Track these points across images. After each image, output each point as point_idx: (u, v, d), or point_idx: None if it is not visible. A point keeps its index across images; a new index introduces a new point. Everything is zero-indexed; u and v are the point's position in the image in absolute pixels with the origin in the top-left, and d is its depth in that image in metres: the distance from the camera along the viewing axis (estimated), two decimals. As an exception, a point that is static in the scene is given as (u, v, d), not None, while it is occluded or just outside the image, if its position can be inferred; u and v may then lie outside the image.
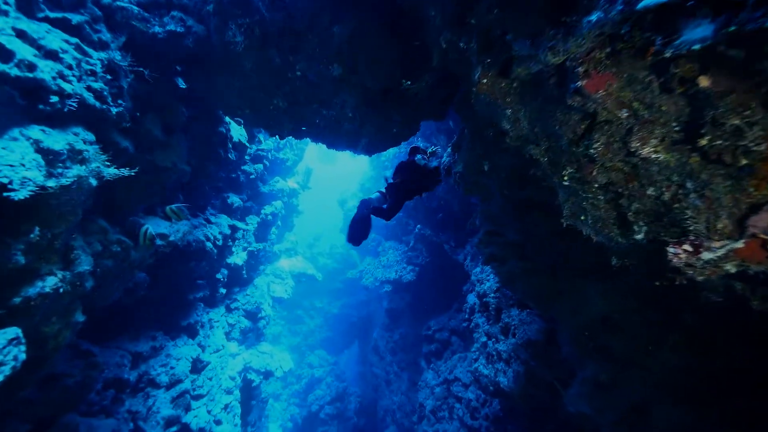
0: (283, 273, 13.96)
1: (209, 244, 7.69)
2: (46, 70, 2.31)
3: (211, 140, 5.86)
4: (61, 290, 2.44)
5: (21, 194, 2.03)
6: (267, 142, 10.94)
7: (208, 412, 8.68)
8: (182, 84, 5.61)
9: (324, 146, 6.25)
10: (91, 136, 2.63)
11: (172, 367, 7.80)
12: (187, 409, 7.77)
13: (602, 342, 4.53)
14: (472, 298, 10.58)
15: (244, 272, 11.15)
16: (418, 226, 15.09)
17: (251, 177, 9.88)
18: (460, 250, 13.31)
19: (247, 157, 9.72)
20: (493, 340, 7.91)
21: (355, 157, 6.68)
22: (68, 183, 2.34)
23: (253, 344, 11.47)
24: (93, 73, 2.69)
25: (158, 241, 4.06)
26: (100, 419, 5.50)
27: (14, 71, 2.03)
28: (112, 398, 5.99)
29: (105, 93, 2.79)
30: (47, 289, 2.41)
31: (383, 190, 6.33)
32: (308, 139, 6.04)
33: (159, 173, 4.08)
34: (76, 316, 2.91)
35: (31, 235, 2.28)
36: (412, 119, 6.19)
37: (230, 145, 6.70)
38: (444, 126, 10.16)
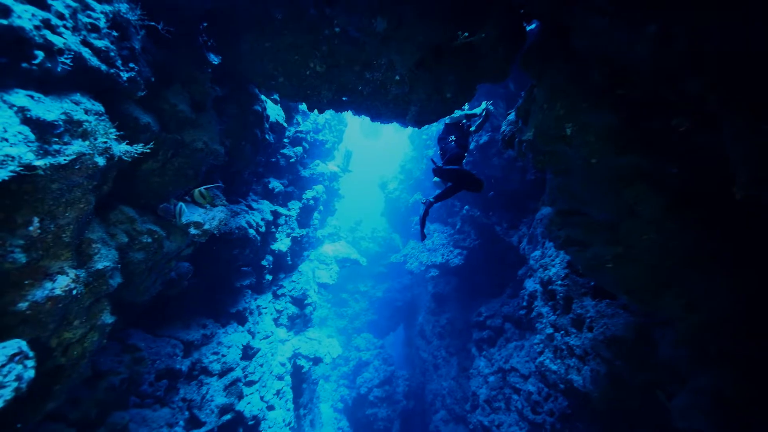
0: (327, 258, 13.76)
1: (252, 231, 7.43)
2: (25, 17, 1.85)
3: (247, 120, 5.41)
4: (75, 292, 2.02)
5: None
6: (305, 124, 10.49)
7: (261, 398, 8.68)
8: (214, 59, 5.15)
9: (367, 119, 5.56)
10: (97, 107, 2.17)
11: (223, 355, 7.79)
12: (240, 396, 7.76)
13: (731, 347, 3.55)
14: (531, 285, 9.62)
15: (288, 258, 11.00)
16: (466, 207, 14.14)
17: (291, 161, 9.52)
18: (514, 232, 12.26)
19: (285, 140, 9.33)
20: (562, 332, 7.00)
21: (400, 130, 5.91)
22: (66, 162, 1.88)
23: (301, 330, 11.42)
24: (95, 29, 2.21)
25: (192, 230, 3.69)
26: (154, 410, 5.47)
27: None
28: (165, 388, 5.98)
29: (112, 54, 2.32)
30: (58, 291, 2.01)
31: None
32: (350, 111, 5.39)
33: (191, 155, 3.67)
34: (104, 317, 2.54)
35: (30, 228, 1.86)
36: (467, 81, 5.31)
37: (267, 126, 6.25)
38: (501, 90, 9.02)
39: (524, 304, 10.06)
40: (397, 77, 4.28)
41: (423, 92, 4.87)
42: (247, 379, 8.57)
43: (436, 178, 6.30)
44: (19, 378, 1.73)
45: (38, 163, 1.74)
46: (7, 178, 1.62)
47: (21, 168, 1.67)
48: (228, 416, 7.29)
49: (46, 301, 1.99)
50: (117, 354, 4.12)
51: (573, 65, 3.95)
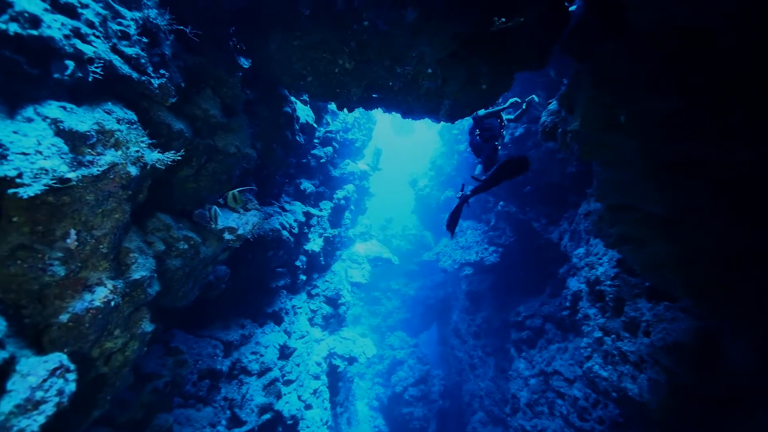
0: (359, 258, 13.75)
1: (285, 233, 7.49)
2: (54, 26, 1.84)
3: (278, 122, 5.40)
4: (113, 303, 2.01)
5: (32, 190, 1.58)
6: (335, 123, 10.47)
7: (299, 397, 8.79)
8: (244, 63, 5.17)
9: (398, 117, 5.39)
10: (130, 115, 2.16)
11: (261, 355, 7.93)
12: (278, 396, 7.87)
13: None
14: (574, 284, 9.07)
15: (321, 258, 11.07)
16: (501, 203, 13.61)
17: (321, 161, 9.52)
18: (554, 228, 11.66)
19: (316, 141, 9.34)
20: (613, 336, 6.50)
21: (431, 126, 5.68)
22: (99, 173, 1.86)
23: (335, 330, 11.47)
24: (125, 36, 2.20)
25: (227, 235, 3.70)
26: (197, 409, 5.63)
27: (13, 27, 1.56)
28: (207, 388, 6.14)
29: (143, 61, 2.30)
30: (97, 303, 2.00)
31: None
32: (380, 109, 5.23)
33: (224, 160, 3.67)
34: (144, 326, 2.55)
35: (68, 240, 1.85)
36: (504, 71, 4.99)
37: (297, 127, 6.24)
38: (540, 78, 8.50)
39: (567, 304, 9.51)
40: (430, 70, 4.06)
41: (456, 85, 4.61)
42: (285, 378, 8.70)
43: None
44: (60, 392, 1.72)
45: (72, 175, 1.72)
46: (40, 192, 1.60)
47: (55, 181, 1.65)
48: (267, 416, 7.41)
49: (86, 312, 1.98)
50: (160, 357, 4.23)
51: (626, 45, 3.56)
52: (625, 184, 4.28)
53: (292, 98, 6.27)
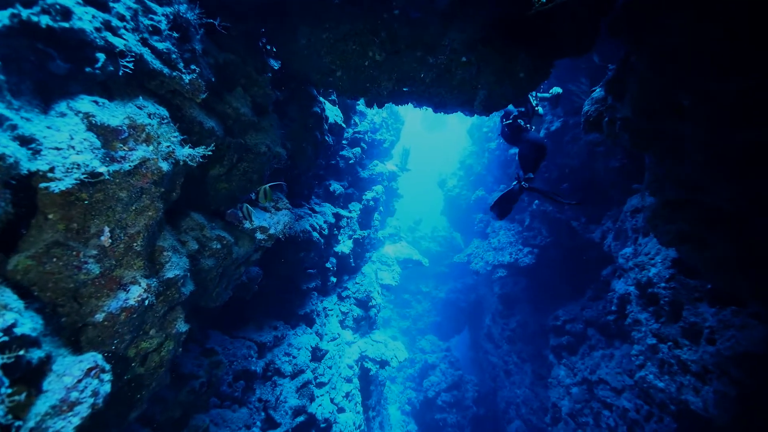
0: (389, 260, 13.60)
1: (315, 234, 7.47)
2: (86, 18, 1.83)
3: (307, 122, 5.37)
4: (147, 302, 1.96)
5: (63, 184, 1.54)
6: (363, 124, 10.41)
7: (331, 400, 8.72)
8: (274, 64, 5.17)
9: (429, 112, 5.19)
10: (162, 111, 2.13)
11: (294, 357, 7.93)
12: (312, 398, 7.84)
13: None
14: (621, 286, 8.44)
15: (351, 260, 11.01)
16: (536, 201, 13.03)
17: (350, 162, 9.48)
18: (595, 227, 11.00)
19: (344, 142, 9.31)
20: (670, 344, 5.94)
21: (464, 121, 5.44)
22: (131, 168, 1.82)
23: (366, 333, 11.36)
24: (156, 31, 2.17)
25: (258, 235, 3.66)
26: (233, 410, 5.66)
27: (44, 20, 1.54)
28: (243, 389, 6.18)
29: (174, 56, 2.27)
30: (131, 302, 1.96)
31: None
32: (411, 103, 5.06)
33: (255, 159, 3.64)
34: (178, 325, 2.51)
35: (102, 238, 1.81)
36: (543, 58, 4.68)
37: (326, 127, 6.19)
38: (584, 64, 7.99)
39: (613, 308, 8.88)
40: (464, 59, 3.84)
41: (491, 74, 4.36)
42: (317, 380, 8.66)
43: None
44: (95, 393, 1.66)
45: (103, 169, 1.68)
46: (71, 186, 1.56)
47: (86, 175, 1.61)
48: (301, 418, 7.39)
49: (121, 312, 1.94)
50: (196, 357, 4.26)
51: (688, 18, 3.19)
52: (686, 176, 3.85)
53: (321, 98, 6.23)
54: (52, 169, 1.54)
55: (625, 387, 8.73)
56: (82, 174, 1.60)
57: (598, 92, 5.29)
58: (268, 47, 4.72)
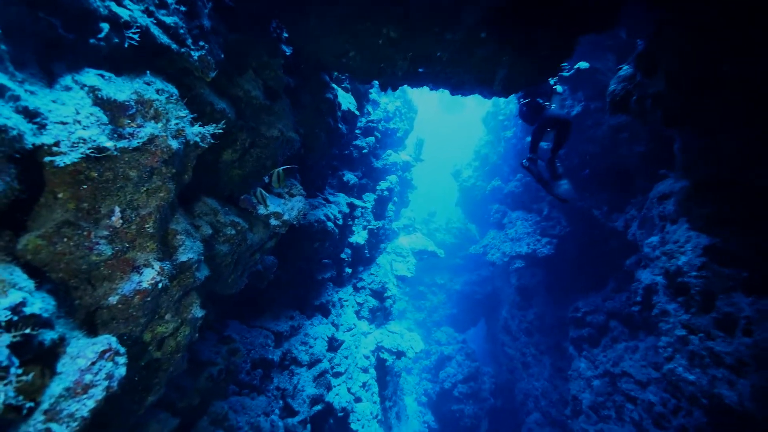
0: (404, 251, 13.49)
1: (330, 224, 7.41)
2: None
3: (320, 109, 5.27)
4: (160, 285, 1.90)
5: (68, 158, 1.48)
6: (376, 113, 10.25)
7: (348, 390, 8.75)
8: (286, 50, 5.07)
9: (445, 95, 5.00)
10: (171, 88, 2.05)
11: (310, 346, 7.96)
12: (329, 388, 7.86)
13: None
14: (647, 276, 8.12)
15: (366, 251, 10.95)
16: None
17: (364, 152, 9.36)
18: (618, 215, 10.60)
19: (357, 131, 9.19)
20: (701, 335, 5.66)
21: (482, 103, 5.23)
22: (139, 145, 1.75)
23: (382, 323, 11.34)
24: (163, 4, 2.09)
25: (273, 221, 3.59)
26: (252, 398, 5.71)
27: None
28: (261, 377, 6.23)
29: (182, 31, 2.19)
30: (145, 285, 1.91)
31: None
32: (427, 86, 4.89)
33: (267, 145, 3.57)
34: (194, 311, 2.47)
35: (112, 218, 1.76)
36: (566, 34, 4.42)
37: (339, 114, 6.08)
38: (609, 41, 7.59)
39: (638, 299, 8.57)
40: (483, 34, 3.65)
41: (512, 51, 4.15)
42: (334, 370, 8.69)
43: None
44: (109, 376, 1.62)
45: (110, 144, 1.61)
46: (76, 160, 1.50)
47: (92, 150, 1.55)
48: (318, 407, 7.43)
49: (134, 294, 1.90)
50: (214, 345, 4.28)
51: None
52: (728, 154, 3.58)
53: (334, 85, 6.11)
54: (57, 143, 1.48)
55: (650, 380, 8.45)
56: (88, 149, 1.54)
57: (625, 69, 4.99)
58: (278, 31, 4.61)
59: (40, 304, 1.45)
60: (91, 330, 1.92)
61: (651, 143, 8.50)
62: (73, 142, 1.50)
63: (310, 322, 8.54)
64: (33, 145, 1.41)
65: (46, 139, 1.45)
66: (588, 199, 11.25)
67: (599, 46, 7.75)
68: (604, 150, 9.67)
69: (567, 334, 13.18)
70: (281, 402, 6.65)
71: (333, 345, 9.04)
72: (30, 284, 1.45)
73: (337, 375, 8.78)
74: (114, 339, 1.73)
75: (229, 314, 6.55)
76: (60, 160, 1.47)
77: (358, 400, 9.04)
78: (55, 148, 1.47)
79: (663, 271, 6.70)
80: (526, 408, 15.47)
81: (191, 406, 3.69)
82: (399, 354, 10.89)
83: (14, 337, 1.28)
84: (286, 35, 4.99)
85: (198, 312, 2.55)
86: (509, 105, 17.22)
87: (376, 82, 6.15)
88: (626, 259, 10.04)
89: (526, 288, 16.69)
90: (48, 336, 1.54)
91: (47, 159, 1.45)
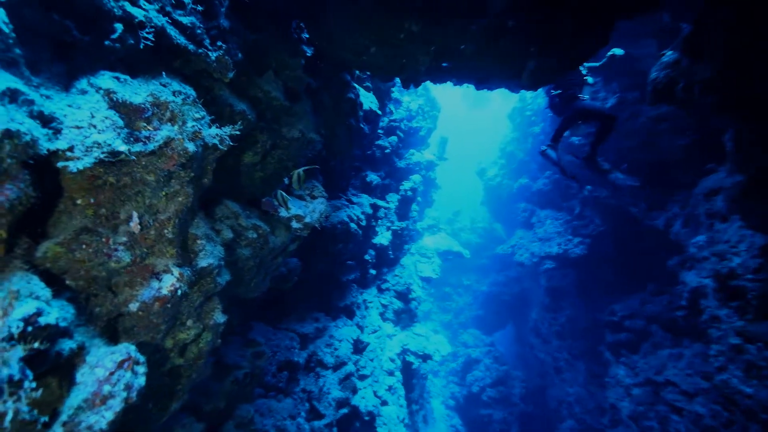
0: (428, 251, 13.28)
1: (353, 225, 7.35)
2: None
3: (341, 109, 5.20)
4: (179, 291, 1.85)
5: (81, 163, 1.44)
6: (398, 112, 10.12)
7: (374, 393, 8.65)
8: (307, 51, 5.03)
9: (471, 89, 4.81)
10: (188, 90, 2.01)
11: (336, 348, 7.93)
12: (354, 391, 7.80)
13: None
14: (693, 279, 7.54)
15: (390, 252, 10.83)
16: (588, 187, 12.06)
17: (386, 151, 9.24)
18: (658, 213, 9.94)
19: (380, 131, 9.08)
20: (759, 345, 5.15)
21: (508, 98, 4.98)
22: (156, 149, 1.70)
23: (407, 325, 11.18)
24: (180, 5, 2.06)
25: (294, 224, 3.54)
26: (278, 400, 5.71)
27: None
28: (287, 379, 6.23)
29: (199, 31, 2.15)
30: (164, 291, 1.87)
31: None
32: (451, 82, 4.71)
33: (288, 146, 3.52)
34: (216, 316, 2.43)
35: (131, 224, 1.72)
36: (601, 19, 4.12)
37: (361, 114, 6.00)
38: (647, 27, 7.09)
39: (683, 303, 7.99)
40: (511, 23, 3.44)
41: (542, 40, 3.90)
42: (360, 373, 8.63)
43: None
44: (128, 387, 1.57)
45: (125, 148, 1.57)
46: (90, 165, 1.46)
47: (106, 155, 1.51)
48: (344, 410, 7.37)
49: (154, 301, 1.86)
50: (239, 348, 4.28)
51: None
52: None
53: (355, 85, 6.03)
54: (71, 148, 1.44)
55: (698, 390, 7.84)
56: (102, 153, 1.50)
57: (669, 55, 4.61)
58: (299, 31, 4.57)
59: (57, 313, 1.41)
60: (113, 337, 1.90)
61: (695, 135, 7.89)
62: (87, 147, 1.46)
63: (335, 324, 8.51)
64: (48, 150, 1.38)
65: (60, 144, 1.42)
66: (624, 196, 10.63)
67: (638, 32, 7.22)
68: (643, 143, 9.08)
69: (602, 339, 12.56)
70: (307, 405, 6.63)
71: (358, 347, 8.98)
72: (47, 293, 1.42)
73: (362, 378, 8.71)
74: (133, 348, 1.69)
75: (254, 316, 6.61)
76: (74, 166, 1.43)
77: (384, 403, 8.93)
78: (69, 153, 1.44)
79: (712, 273, 6.17)
80: (560, 414, 14.86)
81: (217, 410, 3.69)
82: (425, 357, 10.69)
83: (28, 349, 1.24)
84: (307, 36, 4.95)
85: (220, 318, 2.50)
86: (536, 100, 16.63)
87: (398, 80, 6.02)
88: (668, 259, 9.39)
89: (556, 290, 16.07)
90: (66, 345, 1.50)
91: (61, 164, 1.42)
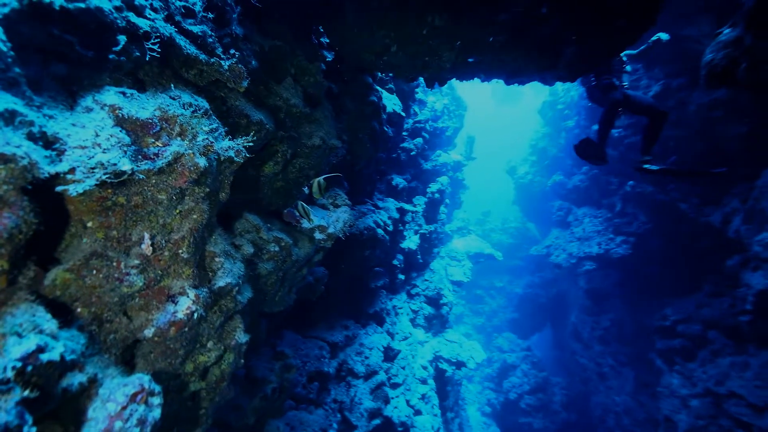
0: (458, 254, 12.89)
1: (380, 231, 7.17)
2: None
3: (364, 113, 5.05)
4: (195, 315, 1.74)
5: (82, 186, 1.35)
6: (423, 112, 9.87)
7: (407, 402, 8.42)
8: (328, 55, 4.93)
9: (500, 84, 4.51)
10: (201, 102, 1.90)
11: (366, 357, 7.78)
12: (386, 401, 7.60)
13: None
14: (759, 280, 6.81)
15: (419, 256, 10.57)
16: (630, 182, 11.27)
17: (412, 154, 9.02)
18: (713, 209, 9.08)
19: (404, 133, 8.87)
20: None
21: (541, 90, 4.63)
22: (165, 166, 1.60)
23: (439, 331, 10.86)
24: (190, 13, 1.96)
25: (317, 235, 3.41)
26: (309, 412, 5.62)
27: (58, 0, 1.36)
28: (317, 390, 6.14)
29: (210, 40, 2.05)
30: (180, 315, 1.76)
31: None
32: (478, 78, 4.43)
33: (309, 154, 3.40)
34: (237, 336, 2.32)
35: (142, 246, 1.62)
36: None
37: (385, 117, 5.82)
38: (698, 2, 6.40)
39: (747, 307, 7.21)
40: (544, 9, 3.14)
41: (579, 26, 3.56)
42: (391, 381, 8.43)
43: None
44: (141, 421, 1.46)
45: (128, 167, 1.47)
46: (90, 188, 1.37)
47: (109, 176, 1.41)
48: (377, 421, 7.19)
49: (170, 326, 1.76)
50: (268, 361, 4.21)
51: None
52: None
53: (377, 87, 5.87)
54: (72, 170, 1.36)
55: (770, 405, 7.02)
56: (104, 174, 1.41)
57: (727, 33, 4.10)
58: (318, 36, 4.47)
59: (64, 346, 1.32)
60: (131, 365, 1.81)
61: (756, 122, 7.10)
62: (90, 168, 1.37)
63: (365, 332, 8.37)
64: (49, 174, 1.30)
65: (61, 166, 1.34)
66: (673, 191, 9.81)
67: (686, 10, 6.53)
68: (693, 133, 8.32)
69: (652, 345, 11.68)
70: (339, 416, 6.51)
71: (389, 355, 8.78)
72: (53, 325, 1.33)
73: (394, 386, 8.50)
74: (147, 378, 1.58)
75: (283, 324, 6.58)
76: (73, 189, 1.34)
77: (417, 413, 8.67)
78: (69, 176, 1.35)
79: (785, 275, 5.49)
80: (606, 424, 13.97)
81: (247, 426, 3.61)
82: (459, 364, 10.33)
83: (28, 390, 1.14)
84: (327, 41, 4.85)
85: (242, 337, 2.39)
86: (569, 93, 15.83)
87: (421, 79, 5.80)
88: (727, 259, 8.53)
89: (597, 292, 15.18)
90: (76, 380, 1.41)
91: (59, 188, 1.33)
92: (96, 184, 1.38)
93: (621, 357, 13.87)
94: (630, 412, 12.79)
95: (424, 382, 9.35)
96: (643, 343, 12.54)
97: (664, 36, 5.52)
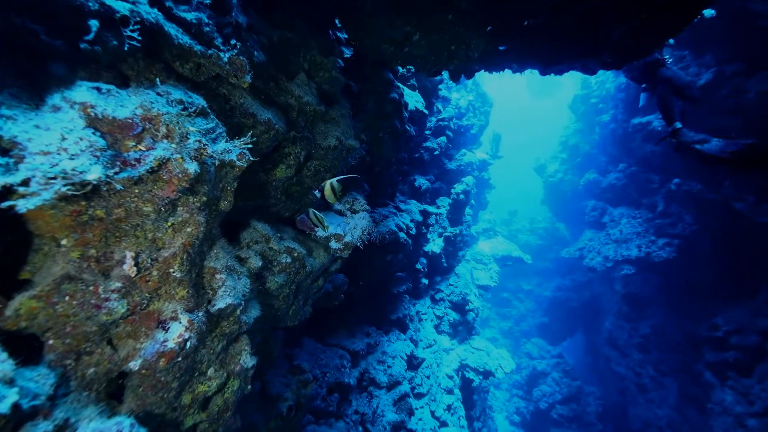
0: (485, 257, 12.36)
1: (402, 235, 6.85)
2: None
3: (384, 111, 4.75)
4: (188, 344, 1.49)
5: (34, 201, 1.11)
6: (447, 110, 9.45)
7: (432, 414, 8.05)
8: (346, 52, 4.68)
9: (535, 73, 4.11)
10: (196, 99, 1.66)
11: (389, 366, 7.46)
12: (410, 413, 7.26)
13: None
14: (837, 288, 5.96)
15: (443, 260, 10.15)
16: (675, 180, 10.40)
17: (435, 153, 8.63)
18: (773, 206, 8.18)
19: (427, 132, 8.50)
20: None
21: (578, 80, 4.19)
22: (147, 173, 1.36)
23: (464, 339, 10.39)
24: (184, -1, 1.75)
25: (333, 244, 3.14)
26: (330, 425, 5.38)
27: None
28: (337, 402, 5.89)
29: (207, 29, 1.80)
30: (171, 345, 1.51)
31: None
32: (510, 69, 4.03)
33: (324, 156, 3.14)
34: (243, 360, 2.08)
35: (124, 266, 1.38)
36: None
37: (406, 115, 5.50)
38: None
39: (820, 318, 6.37)
40: (588, -15, 2.73)
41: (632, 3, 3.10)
42: (415, 391, 8.08)
43: None
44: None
45: (97, 176, 1.23)
46: (45, 203, 1.13)
47: (71, 187, 1.18)
48: (399, 434, 6.87)
49: (158, 358, 1.52)
50: (284, 375, 3.99)
51: None
52: None
53: (399, 84, 5.56)
54: (26, 181, 1.14)
55: None
56: (66, 185, 1.18)
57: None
58: (333, 30, 4.20)
59: (17, 394, 1.09)
60: (118, 398, 1.59)
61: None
62: (48, 178, 1.15)
63: (387, 339, 8.05)
64: (3, 186, 1.08)
65: (14, 177, 1.12)
66: (725, 188, 8.93)
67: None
68: (750, 123, 7.48)
69: (700, 356, 10.76)
70: (360, 428, 6.24)
71: (413, 363, 8.43)
72: (7, 366, 1.10)
73: (418, 396, 8.14)
74: (128, 422, 1.34)
75: (302, 332, 6.38)
76: (23, 204, 1.12)
77: (443, 424, 8.28)
78: (22, 188, 1.13)
79: None
80: (646, 440, 13.05)
81: (262, 447, 3.38)
82: (486, 374, 9.83)
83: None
84: (345, 36, 4.59)
85: (249, 361, 2.14)
86: (604, 85, 14.90)
87: (445, 73, 5.43)
88: (791, 263, 7.65)
89: (636, 297, 14.24)
90: (38, 430, 1.18)
91: (4, 205, 1.11)
92: (55, 198, 1.15)
93: (663, 367, 12.92)
94: (675, 427, 11.87)
95: (449, 392, 8.94)
96: (688, 353, 11.60)
97: (708, 12, 4.93)
